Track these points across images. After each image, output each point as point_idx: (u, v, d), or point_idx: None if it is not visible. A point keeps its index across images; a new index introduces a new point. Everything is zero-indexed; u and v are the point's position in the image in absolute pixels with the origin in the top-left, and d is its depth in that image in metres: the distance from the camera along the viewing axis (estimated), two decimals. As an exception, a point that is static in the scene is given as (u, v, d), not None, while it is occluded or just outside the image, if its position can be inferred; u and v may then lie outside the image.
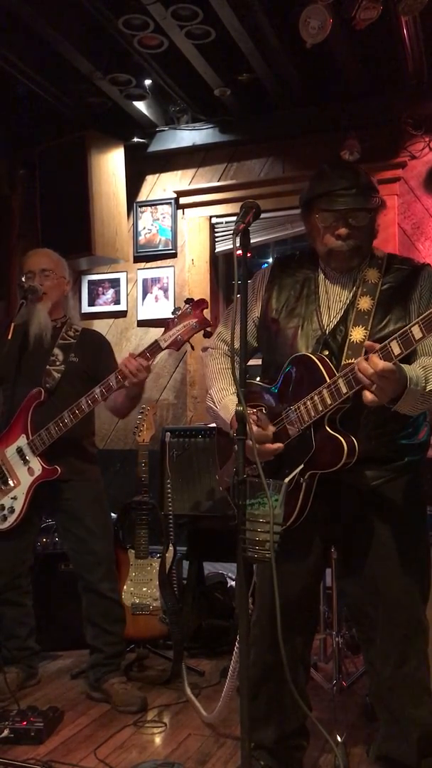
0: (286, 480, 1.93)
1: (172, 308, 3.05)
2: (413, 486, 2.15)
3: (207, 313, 2.59)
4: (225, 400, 2.19)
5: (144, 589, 3.39)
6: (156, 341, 2.66)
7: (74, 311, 4.81)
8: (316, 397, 2.00)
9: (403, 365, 1.88)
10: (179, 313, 2.60)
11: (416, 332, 1.81)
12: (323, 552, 2.24)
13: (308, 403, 2.02)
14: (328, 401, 1.97)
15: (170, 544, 3.43)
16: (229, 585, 3.81)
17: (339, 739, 2.42)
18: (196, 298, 2.61)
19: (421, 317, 1.81)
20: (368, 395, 1.86)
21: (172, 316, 2.62)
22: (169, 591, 3.33)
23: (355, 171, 2.13)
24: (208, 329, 2.57)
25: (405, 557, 2.09)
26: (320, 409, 1.99)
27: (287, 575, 2.01)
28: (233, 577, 3.84)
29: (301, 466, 2.01)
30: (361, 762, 2.46)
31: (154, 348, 2.67)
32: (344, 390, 1.94)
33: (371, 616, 2.14)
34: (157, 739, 2.71)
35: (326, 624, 3.31)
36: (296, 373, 2.09)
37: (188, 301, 2.60)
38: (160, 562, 3.36)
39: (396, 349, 1.83)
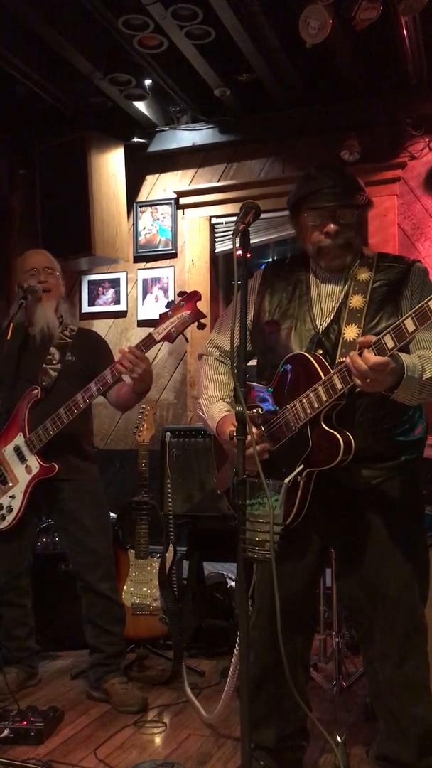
0: (286, 480, 1.93)
1: (171, 308, 3.06)
2: (410, 485, 2.15)
3: (200, 304, 2.60)
4: (212, 408, 2.21)
5: (144, 589, 3.39)
6: (150, 334, 2.67)
7: (74, 311, 4.81)
8: (311, 395, 2.00)
9: (400, 353, 1.89)
10: (173, 306, 2.61)
11: (409, 325, 1.82)
12: (322, 551, 2.24)
13: (304, 400, 2.02)
14: (324, 398, 1.98)
15: (170, 544, 3.43)
16: (229, 585, 3.80)
17: (339, 739, 2.41)
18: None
19: (413, 310, 1.82)
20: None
21: (166, 310, 2.63)
22: (169, 591, 3.33)
23: (340, 171, 2.18)
24: (202, 321, 2.59)
25: (403, 556, 2.09)
26: (316, 406, 2.00)
27: (286, 575, 2.02)
28: (233, 577, 3.84)
29: (302, 466, 2.01)
30: (361, 762, 2.46)
31: (148, 341, 2.68)
32: (339, 386, 1.95)
33: (370, 616, 2.14)
34: (157, 739, 2.71)
35: (326, 624, 3.31)
36: (291, 372, 2.10)
37: (181, 293, 2.62)
38: (160, 562, 3.36)
39: (389, 342, 1.84)
